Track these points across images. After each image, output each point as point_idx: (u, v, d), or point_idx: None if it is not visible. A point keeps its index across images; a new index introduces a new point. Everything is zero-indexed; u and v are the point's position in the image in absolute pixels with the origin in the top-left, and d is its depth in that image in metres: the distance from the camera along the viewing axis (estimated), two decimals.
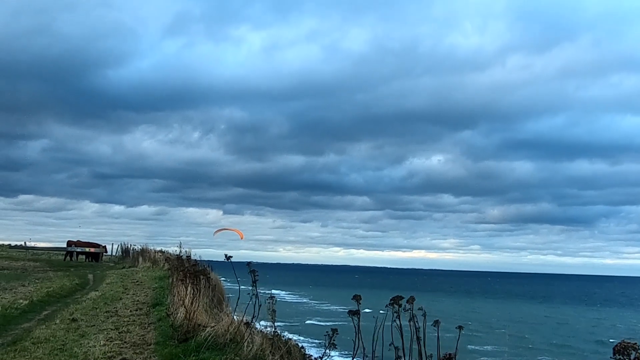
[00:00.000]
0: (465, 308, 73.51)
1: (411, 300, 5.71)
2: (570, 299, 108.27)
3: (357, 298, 5.67)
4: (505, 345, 34.91)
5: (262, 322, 9.48)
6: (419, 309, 5.35)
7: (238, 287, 8.79)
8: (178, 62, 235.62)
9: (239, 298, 8.86)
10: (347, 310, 6.18)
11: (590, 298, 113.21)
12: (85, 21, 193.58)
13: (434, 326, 5.39)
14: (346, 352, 6.82)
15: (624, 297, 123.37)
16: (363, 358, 5.88)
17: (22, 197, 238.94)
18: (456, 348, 5.11)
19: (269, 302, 8.05)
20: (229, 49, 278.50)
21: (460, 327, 5.29)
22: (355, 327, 5.91)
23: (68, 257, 46.60)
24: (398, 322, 5.31)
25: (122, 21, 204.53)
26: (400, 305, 5.18)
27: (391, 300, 5.14)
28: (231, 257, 8.71)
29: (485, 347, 38.66)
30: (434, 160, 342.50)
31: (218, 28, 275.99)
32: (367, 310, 6.13)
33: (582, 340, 46.79)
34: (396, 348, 5.38)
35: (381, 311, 5.95)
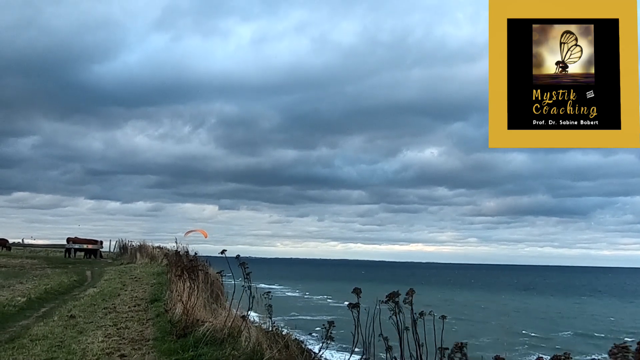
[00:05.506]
0: (461, 300, 73.78)
1: (411, 292, 5.70)
2: (572, 290, 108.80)
3: (357, 291, 5.69)
4: (502, 337, 35.04)
5: (260, 317, 9.50)
6: (405, 302, 5.36)
7: (234, 282, 8.80)
8: (166, 56, 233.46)
9: (234, 292, 8.88)
10: (346, 304, 6.18)
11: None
12: (72, 14, 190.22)
13: (420, 317, 5.40)
14: (346, 346, 6.84)
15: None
16: (363, 351, 5.91)
17: (17, 195, 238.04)
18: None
19: (264, 297, 8.07)
20: (218, 42, 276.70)
21: (443, 317, 5.31)
22: (354, 319, 5.92)
23: (68, 254, 46.64)
24: (395, 318, 5.32)
25: (109, 14, 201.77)
26: (397, 302, 5.20)
27: (387, 296, 5.17)
28: (225, 250, 8.77)
29: (482, 339, 38.81)
30: (428, 153, 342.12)
31: (206, 21, 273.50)
32: (364, 306, 6.14)
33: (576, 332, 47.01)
34: (385, 338, 5.40)
35: (380, 305, 5.96)
